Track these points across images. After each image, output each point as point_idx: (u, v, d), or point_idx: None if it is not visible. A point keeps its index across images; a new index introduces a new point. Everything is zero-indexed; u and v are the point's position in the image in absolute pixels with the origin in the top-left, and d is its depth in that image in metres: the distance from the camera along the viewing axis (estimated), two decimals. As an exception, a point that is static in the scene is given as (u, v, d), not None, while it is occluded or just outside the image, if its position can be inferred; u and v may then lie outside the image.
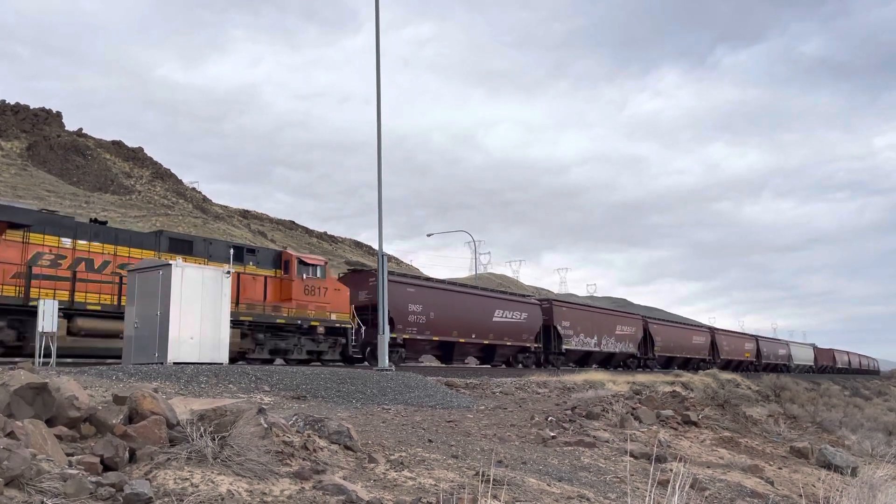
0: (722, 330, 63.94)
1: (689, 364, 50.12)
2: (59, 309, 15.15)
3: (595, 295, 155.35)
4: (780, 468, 11.56)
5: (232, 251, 20.36)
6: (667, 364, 47.59)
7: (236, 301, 19.95)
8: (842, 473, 11.95)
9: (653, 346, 46.65)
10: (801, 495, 8.37)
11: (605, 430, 11.76)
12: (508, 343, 33.13)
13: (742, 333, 70.05)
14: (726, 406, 17.74)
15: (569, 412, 12.74)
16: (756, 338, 67.34)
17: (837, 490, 8.51)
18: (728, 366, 55.97)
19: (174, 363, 14.62)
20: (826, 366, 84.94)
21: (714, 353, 55.98)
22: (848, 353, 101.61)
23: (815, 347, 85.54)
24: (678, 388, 24.51)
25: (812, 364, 78.31)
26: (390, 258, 71.79)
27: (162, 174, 76.98)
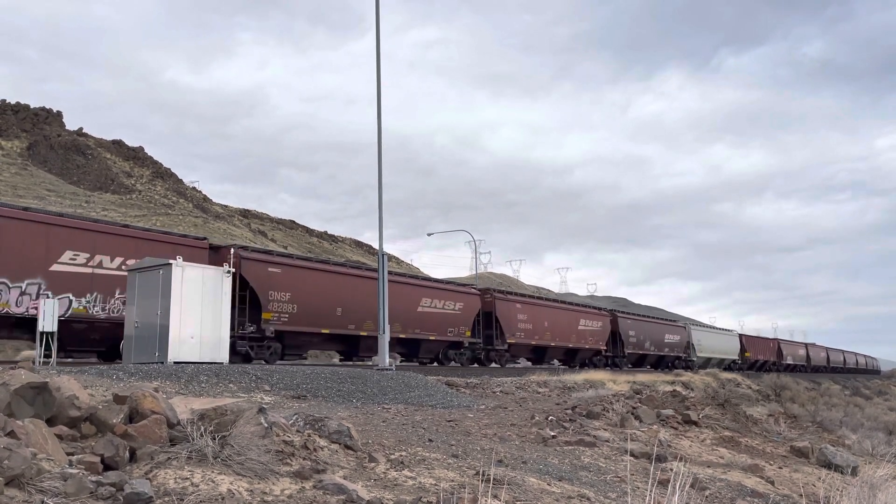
0: (517, 298, 36.17)
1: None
2: None
3: (595, 294, 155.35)
4: (780, 468, 11.56)
5: None
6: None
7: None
8: (842, 473, 11.94)
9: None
10: (801, 495, 8.37)
11: (605, 429, 11.76)
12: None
13: (580, 307, 41.78)
14: (727, 405, 17.74)
15: (569, 411, 12.74)
16: (614, 314, 43.75)
17: (838, 489, 8.50)
18: (542, 357, 35.94)
19: (175, 362, 14.64)
20: (763, 361, 63.12)
21: (495, 333, 32.31)
22: (807, 345, 77.78)
23: (743, 336, 62.48)
24: (678, 388, 24.53)
25: (735, 358, 57.95)
26: (391, 258, 71.83)
27: (162, 173, 77.02)
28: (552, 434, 10.55)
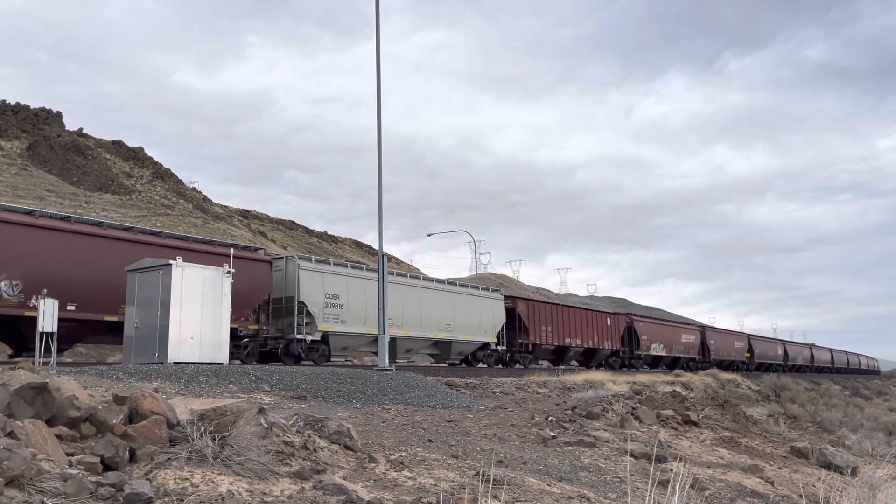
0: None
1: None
2: None
3: (595, 295, 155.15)
4: (780, 468, 11.56)
5: None
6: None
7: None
8: (842, 473, 11.95)
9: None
10: (801, 495, 8.37)
11: (605, 429, 11.76)
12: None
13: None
14: (726, 406, 17.75)
15: (569, 412, 12.74)
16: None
17: (837, 490, 8.51)
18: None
19: (174, 363, 14.62)
20: (589, 350, 37.63)
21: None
22: (704, 329, 53.59)
23: (519, 302, 34.33)
24: (678, 388, 24.52)
25: (488, 341, 30.47)
26: (391, 258, 71.79)
27: (162, 174, 76.94)
28: (552, 434, 10.55)
